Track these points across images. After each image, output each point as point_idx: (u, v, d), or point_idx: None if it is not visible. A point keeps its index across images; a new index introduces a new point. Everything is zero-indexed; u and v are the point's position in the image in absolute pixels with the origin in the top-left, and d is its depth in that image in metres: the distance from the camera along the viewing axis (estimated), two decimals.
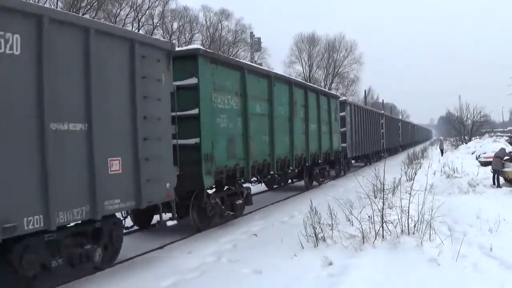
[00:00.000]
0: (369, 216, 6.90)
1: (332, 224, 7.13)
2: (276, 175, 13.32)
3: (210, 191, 9.25)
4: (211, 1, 71.18)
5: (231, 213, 9.76)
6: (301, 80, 19.06)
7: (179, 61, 7.94)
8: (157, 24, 43.66)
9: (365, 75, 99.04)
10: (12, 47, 4.80)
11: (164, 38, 40.10)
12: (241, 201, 10.07)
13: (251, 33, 42.23)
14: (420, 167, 17.07)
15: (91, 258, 6.01)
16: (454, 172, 14.73)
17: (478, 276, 5.31)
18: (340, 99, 20.41)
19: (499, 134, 51.37)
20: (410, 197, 7.24)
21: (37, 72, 5.04)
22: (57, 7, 30.36)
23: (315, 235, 6.78)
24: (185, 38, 46.28)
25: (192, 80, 8.22)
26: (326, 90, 22.81)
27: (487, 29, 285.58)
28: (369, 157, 27.50)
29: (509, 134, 47.98)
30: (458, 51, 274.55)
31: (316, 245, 6.71)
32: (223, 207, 9.35)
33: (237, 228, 9.14)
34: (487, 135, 45.40)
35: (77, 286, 5.90)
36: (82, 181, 5.57)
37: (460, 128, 44.59)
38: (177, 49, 8.06)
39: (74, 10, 30.82)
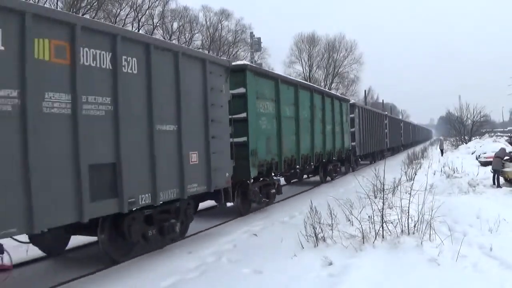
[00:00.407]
0: (369, 216, 6.95)
1: (332, 224, 7.20)
2: (298, 170, 15.07)
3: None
4: (211, 1, 71.19)
5: (266, 200, 11.51)
6: (319, 87, 20.79)
7: (231, 73, 9.63)
8: (157, 24, 43.97)
9: (365, 75, 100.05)
10: (132, 68, 6.52)
11: (164, 38, 40.03)
12: (274, 191, 11.88)
13: (251, 33, 41.61)
14: (420, 167, 17.18)
15: (174, 230, 7.72)
16: (454, 172, 14.67)
17: (478, 276, 5.31)
18: (350, 102, 22.22)
19: (499, 134, 51.30)
20: (410, 197, 7.27)
21: (147, 86, 6.75)
22: (57, 7, 30.31)
23: (315, 235, 6.81)
24: (185, 38, 46.43)
25: (241, 90, 10.03)
26: (339, 94, 24.57)
27: (487, 29, 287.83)
28: (374, 156, 29.21)
29: (509, 134, 47.90)
30: (458, 51, 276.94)
31: (316, 245, 6.74)
32: (260, 195, 11.11)
33: (237, 228, 9.25)
34: (487, 135, 45.34)
35: (78, 286, 6.05)
36: (174, 168, 7.29)
37: (460, 128, 44.54)
38: None
39: (74, 10, 30.75)
